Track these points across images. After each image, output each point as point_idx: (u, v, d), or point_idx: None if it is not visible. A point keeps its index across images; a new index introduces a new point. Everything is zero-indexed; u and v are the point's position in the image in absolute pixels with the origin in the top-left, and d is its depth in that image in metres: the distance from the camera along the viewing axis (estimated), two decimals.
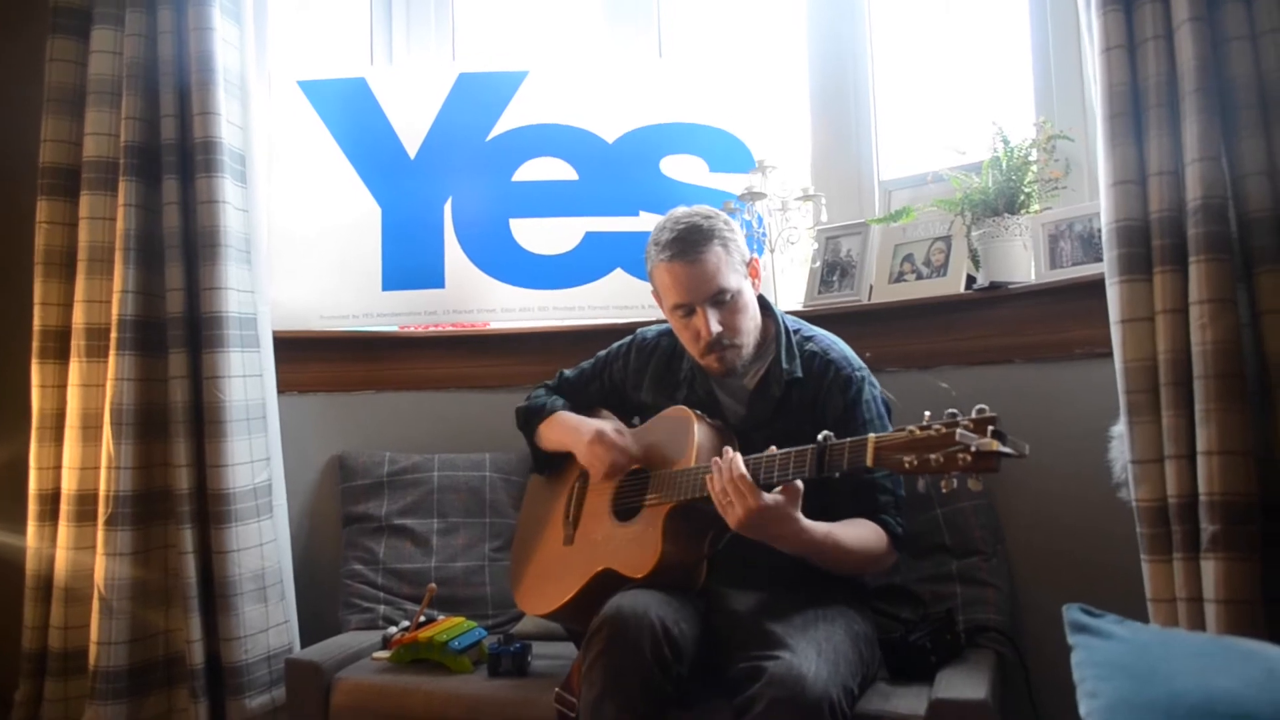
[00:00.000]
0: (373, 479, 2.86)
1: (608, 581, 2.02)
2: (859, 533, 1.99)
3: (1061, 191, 2.55)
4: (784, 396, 2.14)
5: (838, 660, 1.81)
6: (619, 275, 3.02)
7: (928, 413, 1.69)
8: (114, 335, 2.54)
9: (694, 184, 3.01)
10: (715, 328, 2.07)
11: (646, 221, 2.98)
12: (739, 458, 1.84)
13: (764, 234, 2.80)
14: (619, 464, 2.16)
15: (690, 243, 2.07)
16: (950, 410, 1.65)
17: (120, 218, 2.57)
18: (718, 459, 1.87)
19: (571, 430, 2.29)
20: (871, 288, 2.71)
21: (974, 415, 1.61)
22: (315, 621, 2.77)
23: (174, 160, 2.58)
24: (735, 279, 2.10)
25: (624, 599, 1.87)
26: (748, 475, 1.81)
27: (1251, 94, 1.84)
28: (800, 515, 1.85)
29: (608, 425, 2.23)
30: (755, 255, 2.23)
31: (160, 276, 2.58)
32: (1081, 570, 2.31)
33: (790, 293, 2.87)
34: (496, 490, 2.86)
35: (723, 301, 2.08)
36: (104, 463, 2.53)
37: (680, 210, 2.17)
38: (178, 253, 2.56)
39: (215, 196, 2.55)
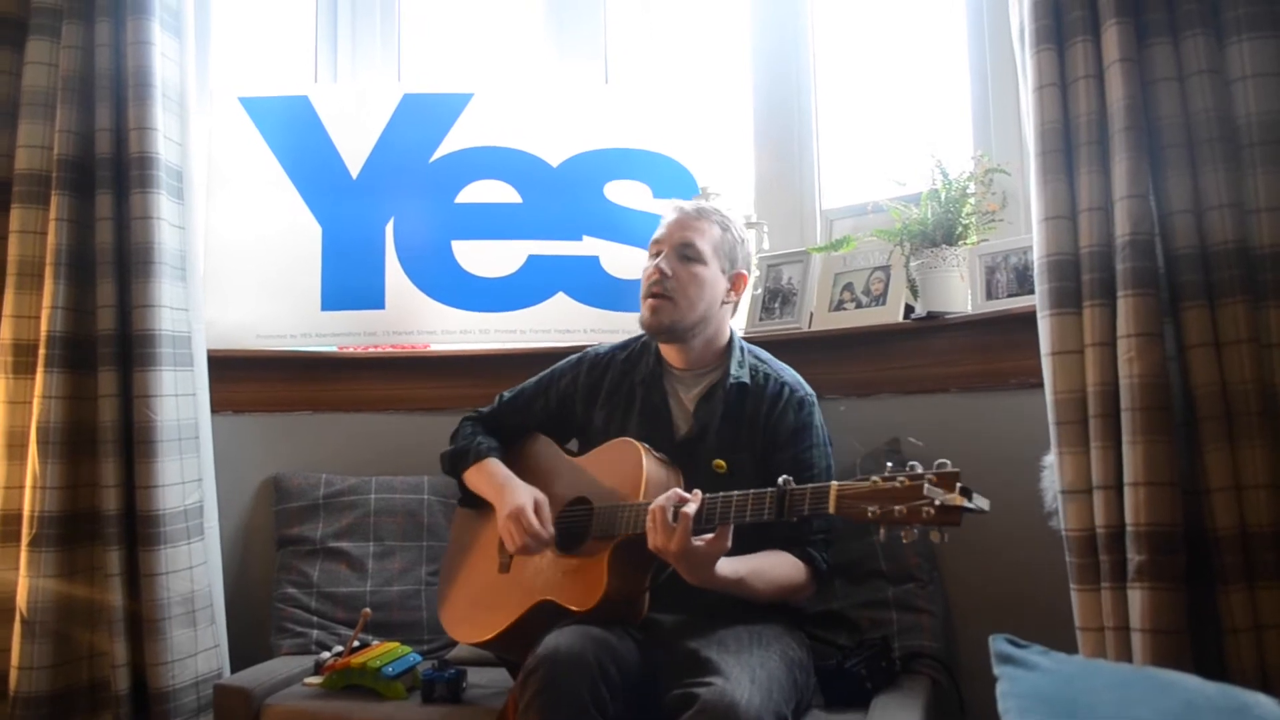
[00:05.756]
0: (308, 501, 2.82)
1: (547, 612, 2.01)
2: (773, 575, 2.01)
3: (998, 224, 2.60)
4: (732, 402, 2.17)
5: (771, 687, 1.81)
6: (561, 299, 3.01)
7: (889, 463, 1.72)
8: (42, 352, 2.48)
9: (638, 209, 3.01)
10: (665, 267, 2.18)
11: (589, 246, 2.99)
12: (691, 505, 1.85)
13: None
14: (530, 550, 2.11)
15: (701, 208, 2.29)
16: (911, 463, 1.68)
17: (51, 232, 2.51)
18: (676, 491, 1.89)
19: (495, 490, 2.23)
20: (812, 315, 2.74)
21: (936, 469, 1.64)
22: (247, 646, 2.71)
23: (108, 175, 2.53)
24: (709, 252, 2.21)
25: (561, 639, 1.84)
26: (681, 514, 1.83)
27: (1178, 133, 1.88)
28: (717, 564, 1.87)
29: (528, 501, 2.14)
30: (745, 273, 2.30)
31: (91, 293, 2.53)
32: (1014, 597, 2.33)
33: (733, 320, 2.88)
34: (434, 513, 2.83)
35: (686, 256, 2.19)
36: (29, 482, 2.47)
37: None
38: (110, 269, 2.51)
39: (150, 213, 2.51)
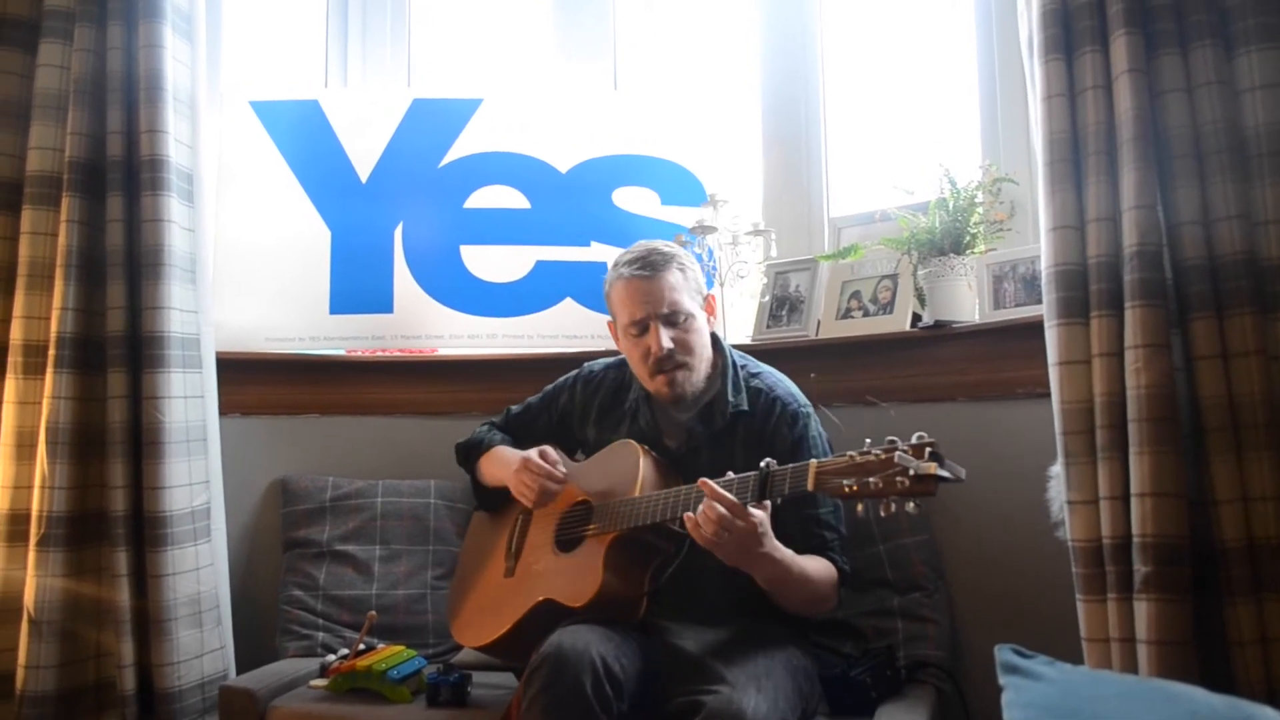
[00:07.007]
0: (315, 504, 2.83)
1: (547, 612, 2.01)
2: (817, 566, 2.00)
3: (1006, 233, 2.60)
4: (729, 428, 2.15)
5: (777, 695, 1.81)
6: (569, 305, 3.02)
7: (868, 440, 1.72)
8: (52, 352, 2.48)
9: (646, 216, 3.02)
10: (667, 344, 2.10)
11: (598, 252, 3.00)
12: (714, 484, 1.83)
13: (714, 267, 2.82)
14: (548, 490, 2.13)
15: (649, 262, 2.14)
16: (890, 437, 1.68)
17: (62, 233, 2.52)
18: (705, 479, 1.84)
19: (504, 464, 2.27)
20: (819, 323, 2.74)
21: (913, 441, 1.64)
22: (253, 648, 2.72)
23: (119, 177, 2.54)
24: (690, 304, 2.14)
25: (565, 636, 1.84)
26: (731, 496, 1.80)
27: (1186, 144, 1.89)
28: (772, 536, 1.86)
29: (532, 450, 2.18)
30: (710, 292, 2.26)
31: (101, 294, 2.54)
32: (1020, 607, 2.33)
33: (739, 326, 2.90)
34: (440, 518, 2.83)
35: (676, 322, 2.12)
36: (38, 482, 2.47)
37: (641, 241, 2.23)
38: (120, 271, 2.52)
39: (160, 215, 2.52)
